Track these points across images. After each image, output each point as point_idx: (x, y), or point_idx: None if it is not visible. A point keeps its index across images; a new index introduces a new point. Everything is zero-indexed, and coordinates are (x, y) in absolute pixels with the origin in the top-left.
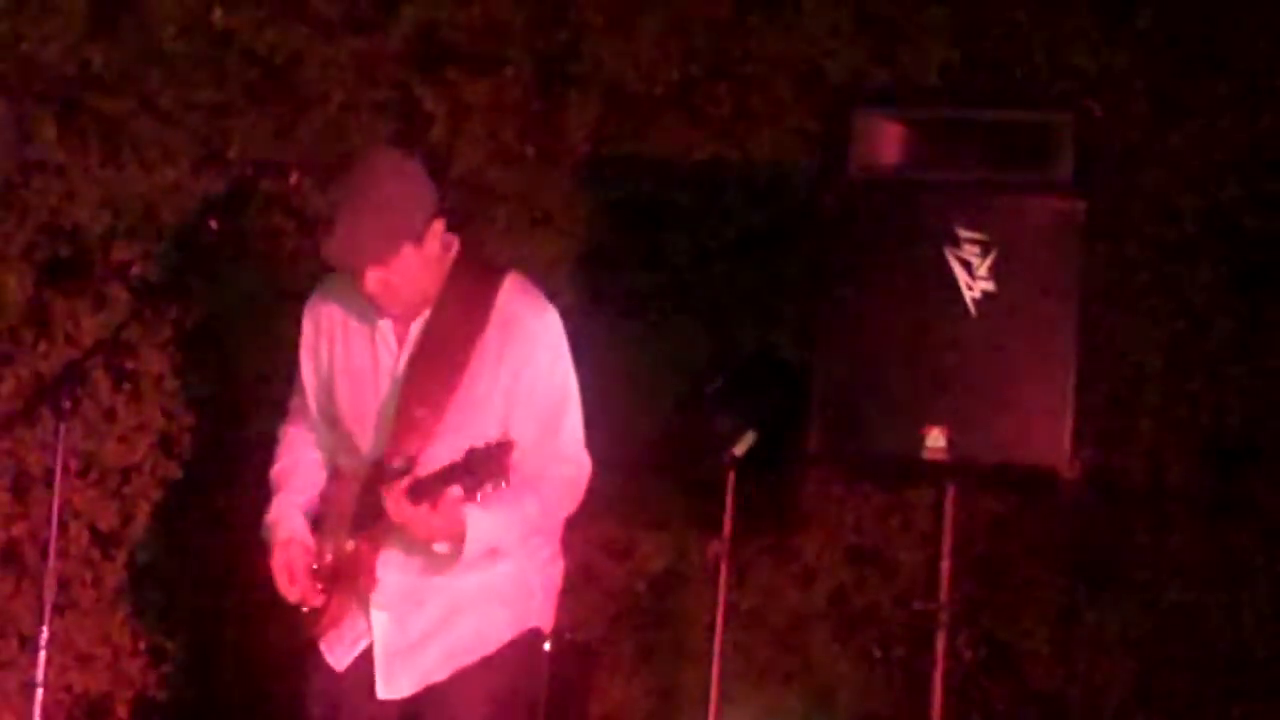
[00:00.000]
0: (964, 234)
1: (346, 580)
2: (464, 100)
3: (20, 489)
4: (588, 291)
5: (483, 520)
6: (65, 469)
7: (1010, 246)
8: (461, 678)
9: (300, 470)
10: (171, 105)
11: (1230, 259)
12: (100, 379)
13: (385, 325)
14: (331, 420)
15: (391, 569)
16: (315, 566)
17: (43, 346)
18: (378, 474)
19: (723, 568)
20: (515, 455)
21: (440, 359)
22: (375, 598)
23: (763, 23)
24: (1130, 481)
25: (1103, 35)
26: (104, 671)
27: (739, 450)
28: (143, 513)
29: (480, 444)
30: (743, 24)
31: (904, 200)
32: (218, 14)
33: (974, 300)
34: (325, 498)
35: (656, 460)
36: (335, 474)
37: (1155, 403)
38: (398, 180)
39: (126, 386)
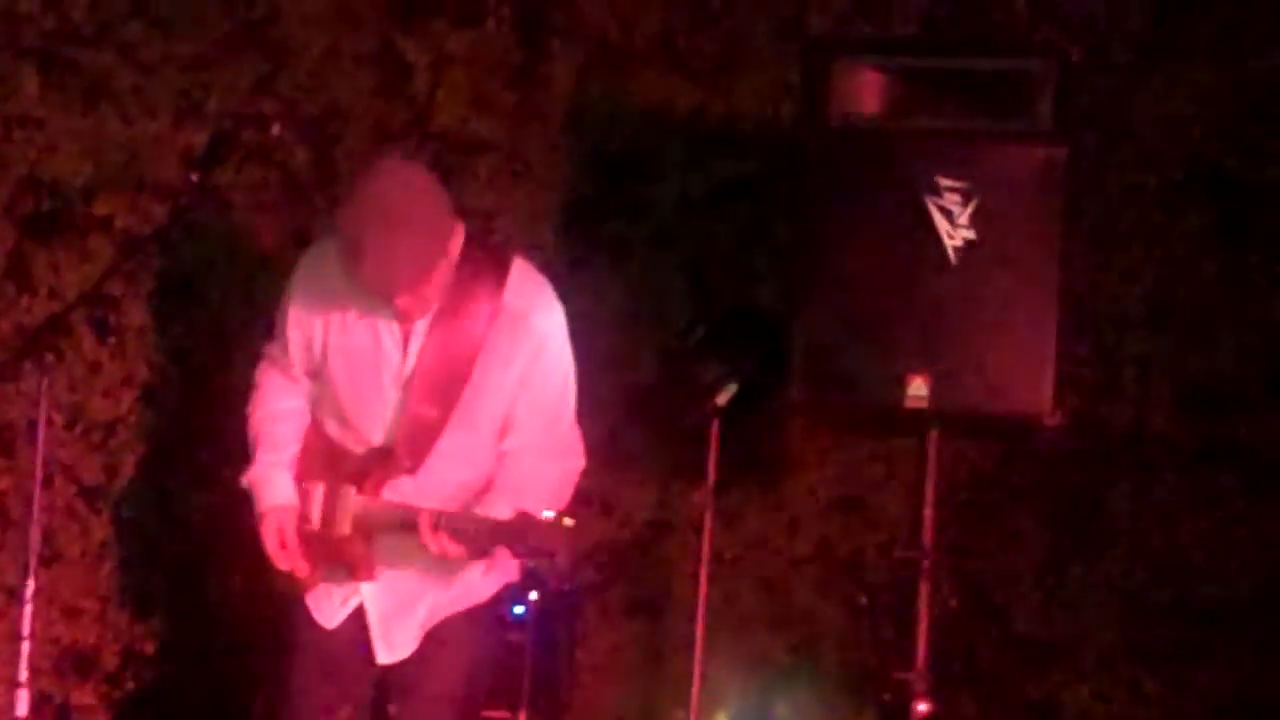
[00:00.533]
0: (945, 183)
1: (338, 561)
2: (446, 51)
3: (4, 443)
4: (570, 242)
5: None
6: (49, 422)
7: (991, 195)
8: (443, 635)
9: (281, 420)
10: (152, 57)
11: (1213, 205)
12: (83, 332)
13: (387, 313)
14: (329, 393)
15: (384, 559)
16: (305, 530)
17: (25, 300)
18: (383, 469)
19: (707, 517)
20: (514, 440)
21: (448, 358)
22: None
23: None
24: (1113, 429)
25: None
26: (91, 624)
27: (722, 400)
28: (128, 466)
29: (532, 513)
30: None
31: (885, 149)
32: None
33: (955, 249)
34: (311, 452)
35: (640, 410)
36: (320, 428)
37: (1138, 350)
38: (424, 202)
39: (110, 340)
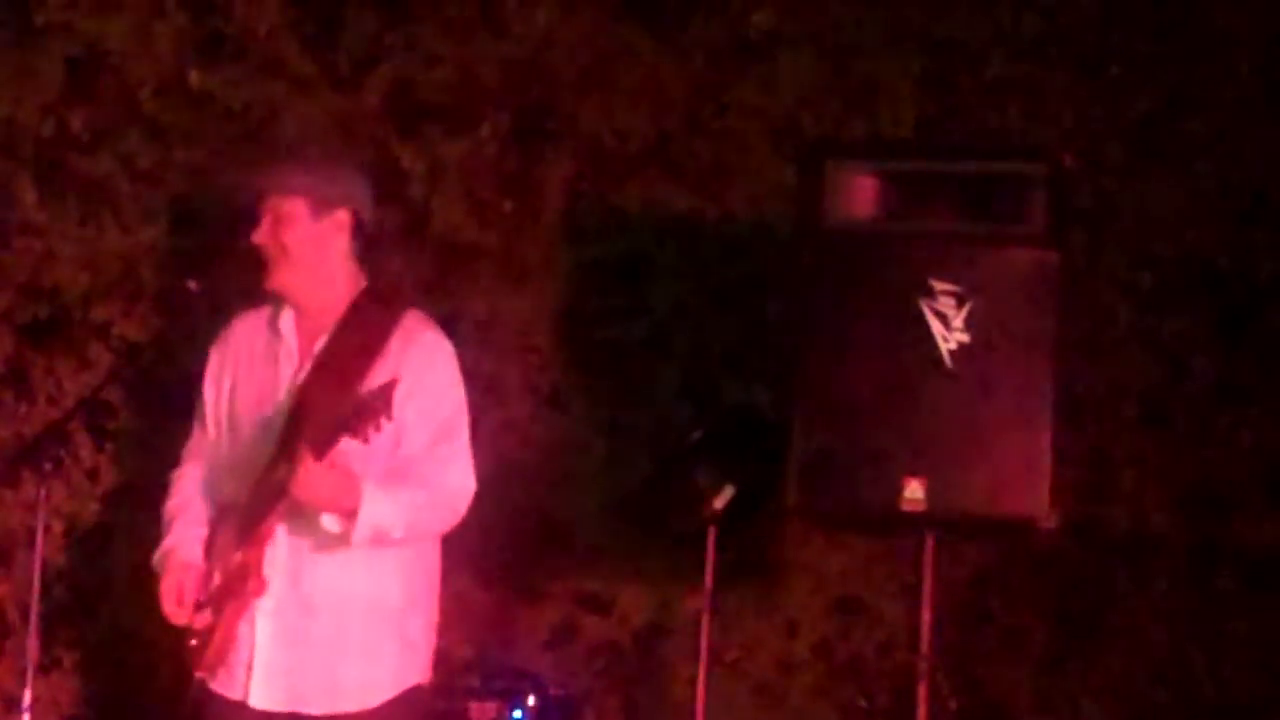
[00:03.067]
0: (939, 286)
1: (236, 592)
2: (441, 157)
3: (2, 550)
4: (567, 346)
5: (376, 496)
6: (47, 530)
7: (986, 298)
8: None
9: (196, 505)
10: (150, 165)
11: (1207, 305)
12: (81, 439)
13: (290, 343)
14: (230, 446)
15: (278, 571)
16: (201, 598)
17: (23, 408)
18: (265, 477)
19: (705, 620)
20: (405, 450)
21: (338, 373)
22: (261, 604)
23: (738, 77)
24: (1111, 530)
25: (1075, 86)
26: None
27: (719, 503)
28: (124, 574)
29: (363, 391)
30: (718, 78)
31: (879, 252)
32: (194, 74)
33: (950, 352)
34: (212, 527)
35: (637, 514)
36: (222, 505)
37: (1135, 451)
38: (329, 157)
39: (108, 446)
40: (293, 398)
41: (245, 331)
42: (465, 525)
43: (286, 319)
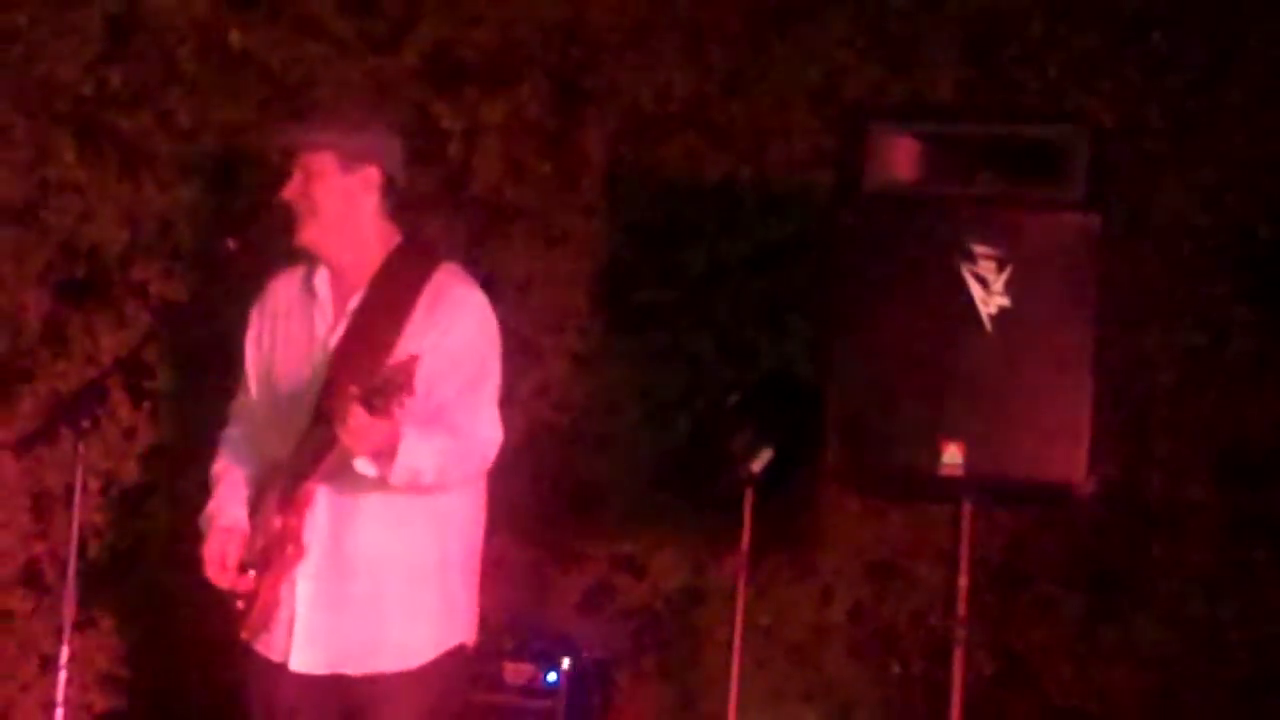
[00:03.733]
0: (979, 249)
1: (276, 557)
2: (480, 118)
3: (40, 509)
4: (604, 308)
5: (412, 439)
6: (84, 488)
7: (1025, 262)
8: (389, 690)
9: (239, 467)
10: (189, 124)
11: (1246, 272)
12: (119, 398)
13: (325, 302)
14: (272, 407)
15: (318, 535)
16: (248, 557)
17: (61, 365)
18: (305, 439)
19: (741, 584)
20: (435, 398)
21: (373, 330)
22: (301, 568)
23: (777, 39)
24: (1147, 496)
25: (1116, 51)
26: (124, 691)
27: (756, 467)
28: (161, 532)
29: (385, 368)
30: (758, 40)
31: (919, 216)
32: (235, 34)
33: (989, 316)
34: (256, 488)
35: (673, 477)
36: (266, 466)
37: (1172, 417)
38: (359, 112)
39: (145, 405)
40: (331, 355)
41: (281, 291)
42: (501, 487)
43: (321, 277)
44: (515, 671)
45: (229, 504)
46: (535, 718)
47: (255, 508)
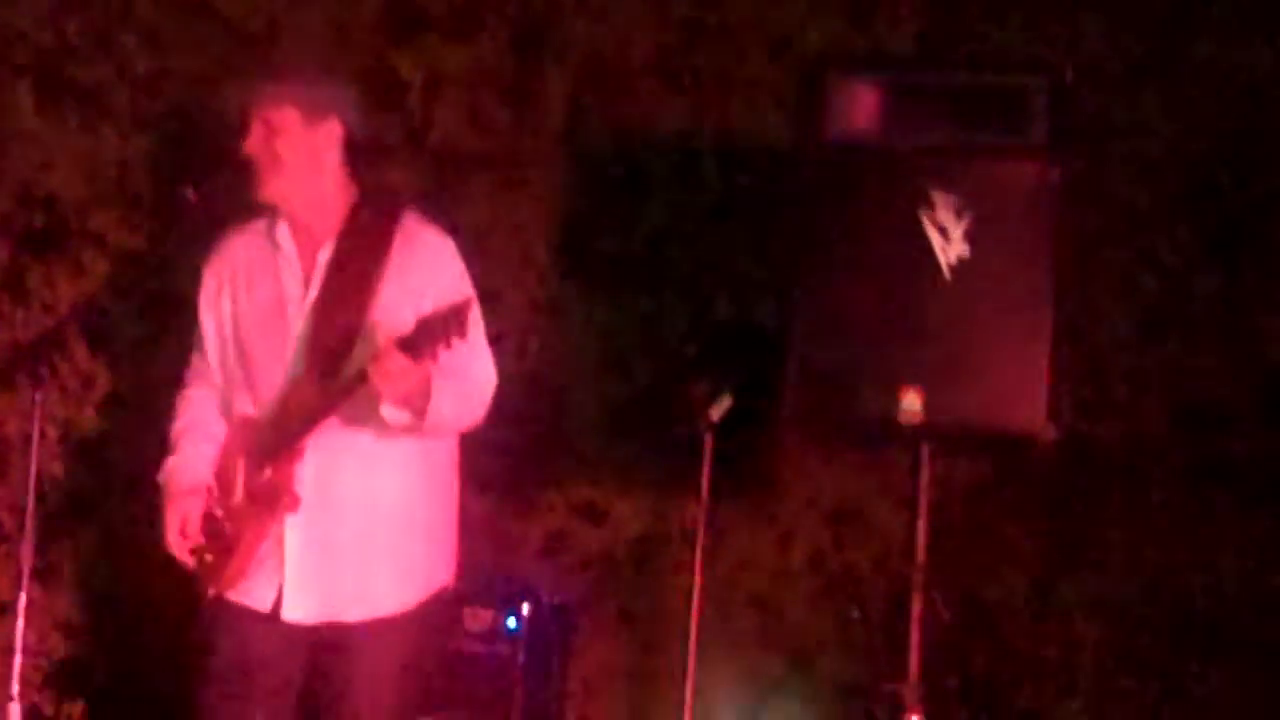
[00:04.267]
0: (939, 198)
1: (263, 509)
2: (440, 68)
3: None
4: (565, 258)
5: (439, 388)
6: (43, 436)
7: (985, 211)
8: (378, 634)
9: (202, 426)
10: (147, 73)
11: (1205, 221)
12: (77, 346)
13: (290, 256)
14: (238, 365)
15: (306, 485)
16: (219, 512)
17: (20, 314)
18: (294, 391)
19: (700, 531)
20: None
21: (349, 283)
22: (291, 520)
23: None
24: (1106, 445)
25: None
26: (83, 639)
27: (716, 415)
28: (120, 480)
29: (430, 311)
30: None
31: (879, 165)
32: None
33: (949, 265)
34: (227, 449)
35: (633, 424)
36: (236, 424)
37: (1131, 366)
38: (315, 69)
39: (103, 354)
40: (309, 311)
41: (240, 248)
42: (460, 435)
43: (283, 231)
44: (475, 617)
45: (191, 463)
46: (495, 663)
47: (228, 462)
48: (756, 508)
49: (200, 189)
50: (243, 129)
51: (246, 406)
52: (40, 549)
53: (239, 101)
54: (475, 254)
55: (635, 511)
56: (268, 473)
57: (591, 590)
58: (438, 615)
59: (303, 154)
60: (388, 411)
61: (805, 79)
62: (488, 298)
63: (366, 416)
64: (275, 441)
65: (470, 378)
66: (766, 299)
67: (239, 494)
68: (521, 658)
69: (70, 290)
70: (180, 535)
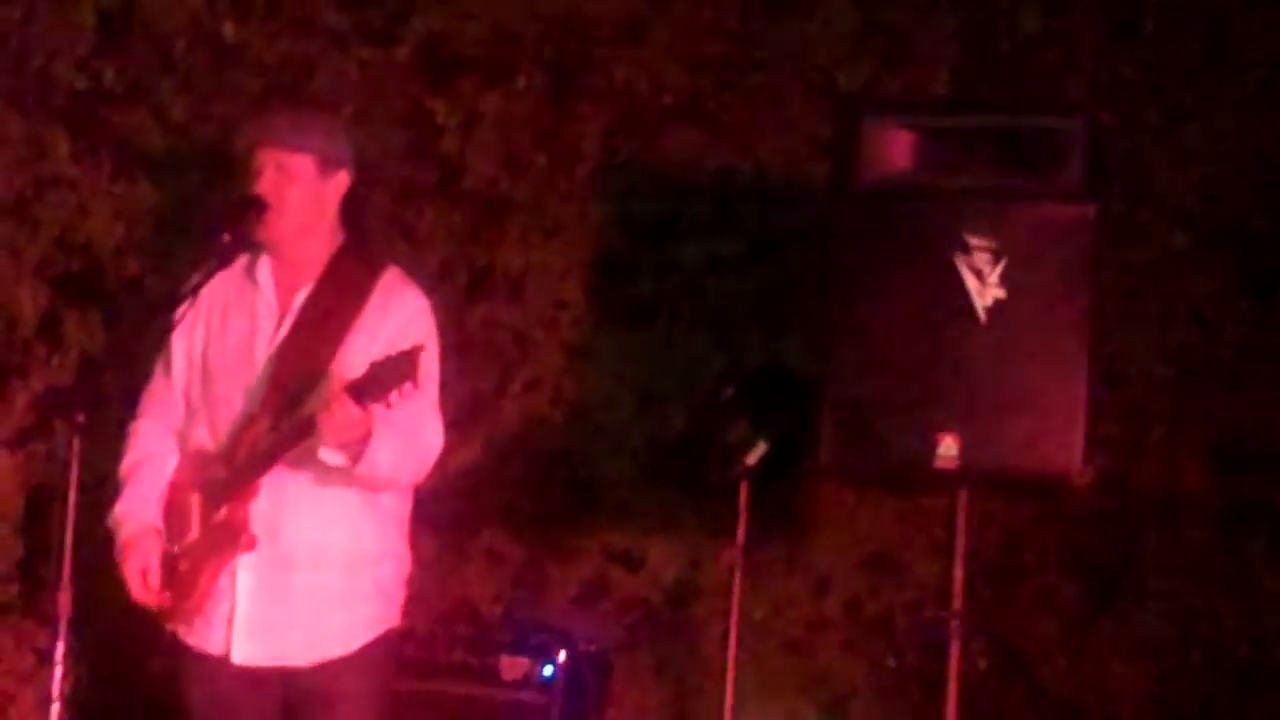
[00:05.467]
0: (974, 241)
1: (220, 547)
2: (475, 111)
3: (34, 504)
4: (599, 301)
5: (379, 437)
6: (79, 484)
7: (1021, 254)
8: (330, 675)
9: (153, 463)
10: (183, 118)
11: (1241, 263)
12: (114, 394)
13: (268, 293)
14: (202, 396)
15: (259, 526)
16: (175, 549)
17: (56, 360)
18: (248, 428)
19: (736, 577)
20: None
21: (320, 327)
22: (242, 559)
23: (772, 31)
24: (1143, 488)
25: (1110, 41)
26: (120, 687)
27: (751, 460)
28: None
29: (382, 357)
30: (752, 33)
31: (914, 208)
32: (229, 27)
33: (985, 308)
34: (179, 483)
35: (669, 469)
36: (190, 457)
37: (1167, 409)
38: (330, 118)
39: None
40: (276, 350)
41: (221, 280)
42: (495, 481)
43: (264, 267)
44: (511, 665)
45: (140, 505)
46: (531, 712)
47: (179, 499)
48: (792, 553)
49: (234, 232)
50: (253, 166)
51: (204, 438)
52: (77, 598)
53: (253, 139)
54: (511, 298)
55: (671, 558)
56: (224, 511)
57: (627, 637)
58: (388, 655)
59: (310, 201)
60: (325, 452)
61: (839, 122)
62: (523, 342)
63: (316, 459)
64: (230, 479)
65: (417, 437)
66: (802, 343)
67: (195, 532)
68: (557, 706)
69: (107, 337)
70: (143, 582)
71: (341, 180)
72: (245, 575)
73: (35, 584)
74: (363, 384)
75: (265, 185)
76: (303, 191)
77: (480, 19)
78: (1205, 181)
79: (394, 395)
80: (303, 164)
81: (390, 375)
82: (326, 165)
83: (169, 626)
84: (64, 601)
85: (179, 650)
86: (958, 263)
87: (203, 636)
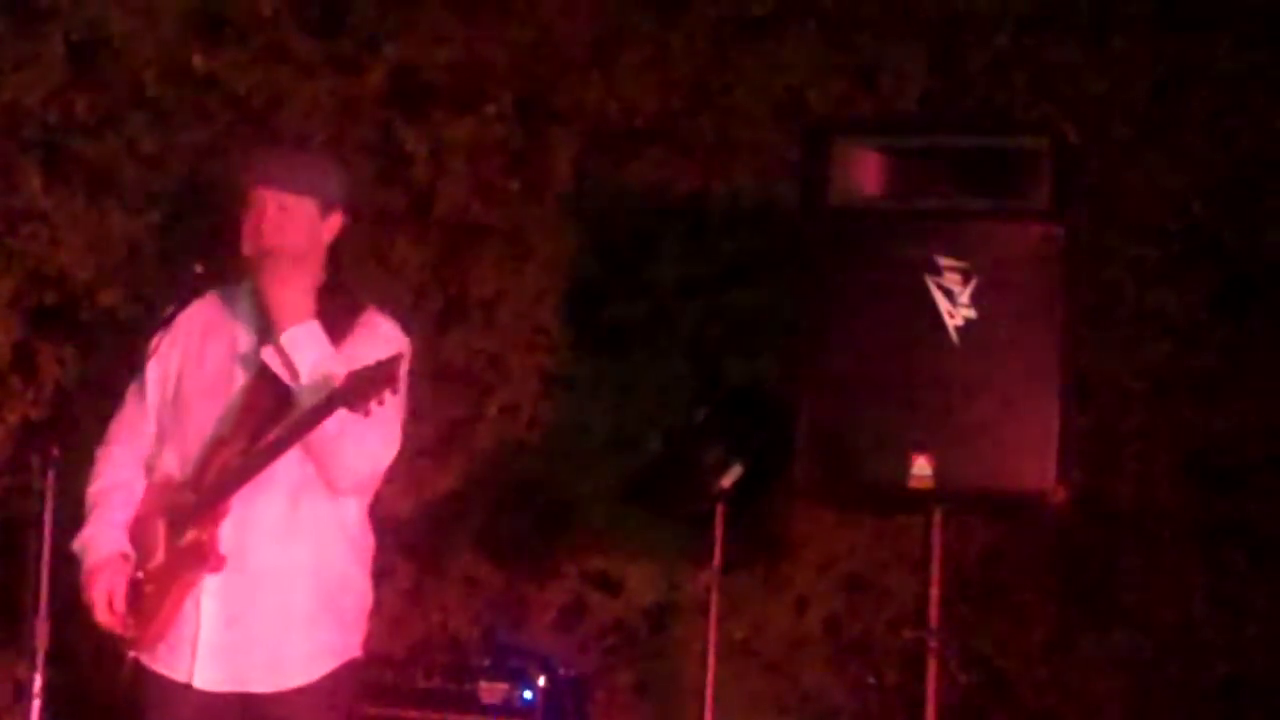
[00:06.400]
0: (945, 262)
1: (187, 570)
2: (446, 138)
3: (9, 537)
4: (574, 325)
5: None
6: (55, 516)
7: (991, 273)
8: (292, 704)
9: (121, 490)
10: (154, 149)
11: (1212, 278)
12: (89, 425)
13: (248, 319)
14: (173, 421)
15: (230, 551)
16: (140, 574)
17: (31, 393)
18: (218, 451)
19: (714, 598)
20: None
21: None
22: (205, 584)
23: (742, 53)
24: (1119, 504)
25: (1079, 60)
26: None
27: (727, 482)
28: None
29: (360, 366)
30: (722, 55)
31: (884, 229)
32: (198, 58)
33: (956, 328)
34: (145, 511)
35: (644, 492)
36: (156, 485)
37: (1141, 425)
38: (332, 160)
39: None
40: (250, 382)
41: (200, 306)
42: (472, 506)
43: (244, 299)
44: (490, 691)
45: (106, 531)
46: None
47: (145, 526)
48: (770, 574)
49: (208, 263)
50: (249, 200)
51: (171, 466)
52: (54, 631)
53: (250, 176)
54: (484, 324)
55: (649, 580)
56: (190, 535)
57: (607, 661)
58: (349, 685)
59: (306, 240)
60: (303, 391)
61: (809, 143)
62: (497, 367)
63: (284, 484)
64: (198, 502)
65: (364, 435)
66: (776, 364)
67: (160, 556)
68: None
69: (82, 368)
70: (108, 608)
71: (336, 220)
72: (209, 600)
73: (12, 616)
74: (342, 392)
75: (268, 225)
76: (300, 230)
77: (450, 46)
78: (1176, 196)
79: (373, 404)
80: (304, 206)
81: (369, 383)
82: (326, 207)
83: (132, 653)
84: (42, 633)
85: (142, 676)
86: (929, 283)
87: (166, 662)
